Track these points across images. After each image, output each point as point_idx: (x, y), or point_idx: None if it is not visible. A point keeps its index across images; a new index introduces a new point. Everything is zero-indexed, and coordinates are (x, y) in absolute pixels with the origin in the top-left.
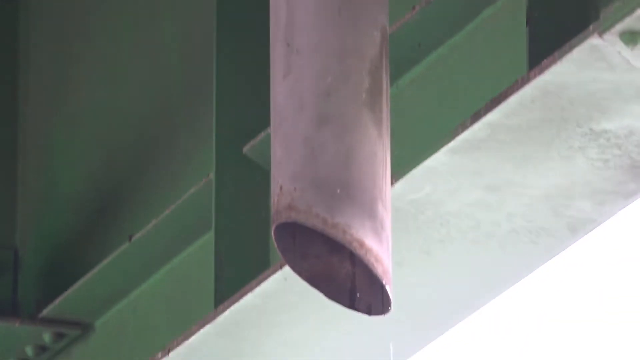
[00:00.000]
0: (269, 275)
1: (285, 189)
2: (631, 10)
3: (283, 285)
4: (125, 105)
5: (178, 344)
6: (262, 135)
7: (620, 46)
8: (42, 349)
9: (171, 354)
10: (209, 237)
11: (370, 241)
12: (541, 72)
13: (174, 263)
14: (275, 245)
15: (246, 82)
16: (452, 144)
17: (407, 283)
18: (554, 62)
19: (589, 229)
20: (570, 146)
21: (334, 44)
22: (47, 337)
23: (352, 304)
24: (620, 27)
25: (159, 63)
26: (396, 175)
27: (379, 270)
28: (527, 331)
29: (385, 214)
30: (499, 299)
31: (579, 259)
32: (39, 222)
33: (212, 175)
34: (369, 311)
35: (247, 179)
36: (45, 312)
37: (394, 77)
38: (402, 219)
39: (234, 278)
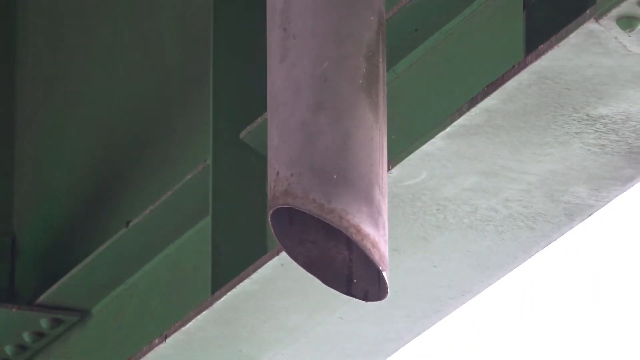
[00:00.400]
0: (265, 261)
1: (282, 174)
2: None
3: (280, 271)
4: (121, 91)
5: (175, 330)
6: (258, 120)
7: (617, 31)
8: (39, 335)
9: (168, 340)
10: (206, 223)
11: (367, 227)
12: (538, 57)
13: (171, 249)
14: (272, 231)
15: (243, 67)
16: (449, 129)
17: (404, 269)
18: (550, 47)
19: (586, 215)
20: (567, 132)
21: (331, 29)
22: (44, 323)
23: (348, 290)
24: (617, 11)
25: (156, 49)
26: (393, 160)
27: (375, 256)
28: (523, 317)
29: (382, 199)
30: (496, 284)
31: (576, 244)
32: (36, 209)
33: (209, 161)
34: (366, 297)
35: (243, 165)
36: (42, 298)
37: (390, 63)
38: (398, 205)
39: (231, 264)
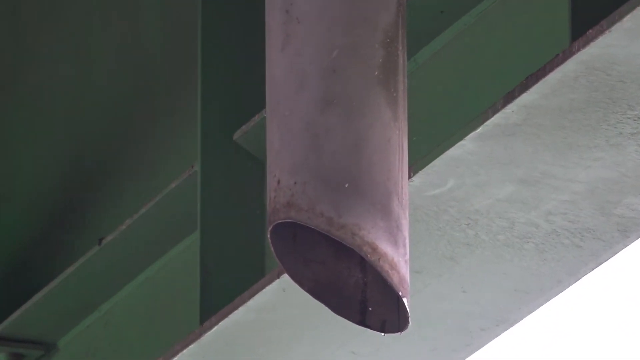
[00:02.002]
0: (264, 286)
1: (284, 183)
2: None
3: (281, 297)
4: (96, 86)
5: None
6: (255, 119)
7: None
8: None
9: None
10: (194, 239)
11: (384, 245)
12: (586, 44)
13: (152, 270)
14: (272, 250)
15: (237, 58)
16: (480, 129)
17: (428, 294)
18: (601, 32)
19: None
20: (621, 132)
21: (341, 11)
22: (3, 358)
23: (362, 320)
24: None
25: (135, 37)
26: (415, 166)
27: (394, 279)
28: (570, 348)
29: (402, 212)
30: (537, 313)
31: (631, 265)
32: None
33: (197, 166)
34: (383, 328)
35: (238, 171)
36: (0, 328)
37: (411, 51)
38: (421, 219)
39: (223, 288)
